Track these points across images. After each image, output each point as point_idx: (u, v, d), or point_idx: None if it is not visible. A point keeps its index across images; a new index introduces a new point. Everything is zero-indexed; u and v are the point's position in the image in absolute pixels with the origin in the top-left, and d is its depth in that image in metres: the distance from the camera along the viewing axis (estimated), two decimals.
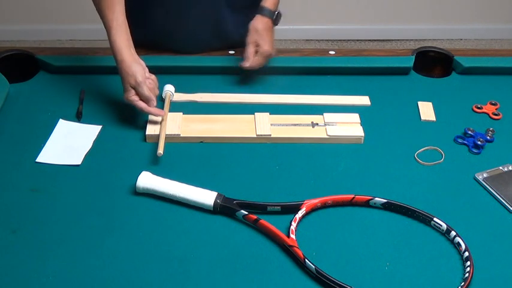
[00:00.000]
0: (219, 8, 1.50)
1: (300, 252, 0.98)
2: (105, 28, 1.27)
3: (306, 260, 0.97)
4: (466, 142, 1.26)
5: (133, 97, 1.24)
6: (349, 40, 3.38)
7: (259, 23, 1.41)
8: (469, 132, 1.28)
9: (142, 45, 1.45)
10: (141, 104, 1.24)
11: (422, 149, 1.24)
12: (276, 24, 1.44)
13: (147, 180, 1.10)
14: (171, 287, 0.94)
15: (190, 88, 1.39)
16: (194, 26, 1.50)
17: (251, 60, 1.38)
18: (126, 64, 1.24)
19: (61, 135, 1.24)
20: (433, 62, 1.53)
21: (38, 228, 1.03)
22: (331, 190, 1.12)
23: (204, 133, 1.25)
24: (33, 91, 1.38)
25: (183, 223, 1.06)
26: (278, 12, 1.44)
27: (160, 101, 1.33)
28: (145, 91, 1.23)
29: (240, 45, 1.56)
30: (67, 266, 0.96)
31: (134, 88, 1.24)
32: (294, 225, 1.03)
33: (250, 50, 1.39)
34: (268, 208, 1.08)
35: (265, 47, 1.38)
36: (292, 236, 1.01)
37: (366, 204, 1.10)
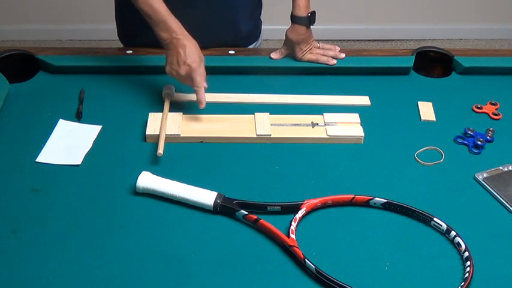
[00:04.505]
0: (219, 7, 1.49)
1: (300, 252, 0.98)
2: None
3: (306, 260, 0.97)
4: (466, 142, 1.26)
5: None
6: (349, 40, 3.37)
7: (294, 35, 1.43)
8: (469, 132, 1.28)
9: (143, 44, 1.45)
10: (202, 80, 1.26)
11: (422, 149, 1.24)
12: (312, 24, 1.44)
13: (147, 180, 1.10)
14: (171, 287, 0.94)
15: (190, 88, 1.38)
16: (198, 24, 1.49)
17: (278, 55, 1.48)
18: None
19: (61, 135, 1.24)
20: (433, 62, 1.52)
21: (38, 228, 1.03)
22: (331, 190, 1.12)
23: (204, 133, 1.25)
24: (33, 91, 1.38)
25: (183, 223, 1.06)
26: (311, 14, 1.42)
27: (160, 101, 1.33)
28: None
29: (239, 45, 1.56)
30: (67, 266, 0.96)
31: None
32: (294, 225, 1.03)
33: (282, 50, 1.48)
34: (268, 208, 1.08)
35: (299, 55, 1.45)
36: (292, 236, 1.01)
37: (366, 204, 1.10)
